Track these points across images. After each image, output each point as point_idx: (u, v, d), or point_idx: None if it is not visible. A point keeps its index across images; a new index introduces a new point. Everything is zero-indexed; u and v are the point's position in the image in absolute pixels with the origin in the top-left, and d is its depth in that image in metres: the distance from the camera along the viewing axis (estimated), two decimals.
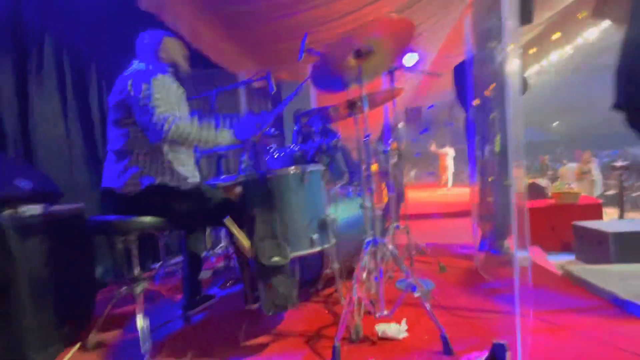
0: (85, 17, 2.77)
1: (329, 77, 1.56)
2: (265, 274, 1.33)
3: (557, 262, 2.41)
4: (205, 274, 2.52)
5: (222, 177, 2.02)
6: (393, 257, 1.44)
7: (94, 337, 1.56)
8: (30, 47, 2.34)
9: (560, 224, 2.75)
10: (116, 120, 1.50)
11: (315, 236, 1.45)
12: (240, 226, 1.44)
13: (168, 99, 1.42)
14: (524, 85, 2.14)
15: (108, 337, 1.64)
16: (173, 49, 1.68)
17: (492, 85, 2.18)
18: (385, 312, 1.36)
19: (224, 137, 1.48)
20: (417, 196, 7.83)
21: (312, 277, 2.00)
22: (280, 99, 4.13)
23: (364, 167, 1.53)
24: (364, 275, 1.48)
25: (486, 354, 1.08)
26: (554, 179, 7.27)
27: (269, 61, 4.77)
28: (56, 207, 1.64)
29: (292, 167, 1.46)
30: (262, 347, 1.44)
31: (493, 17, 2.22)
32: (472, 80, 2.16)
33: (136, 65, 1.55)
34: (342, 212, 1.96)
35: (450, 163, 10.00)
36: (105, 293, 2.33)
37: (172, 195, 1.49)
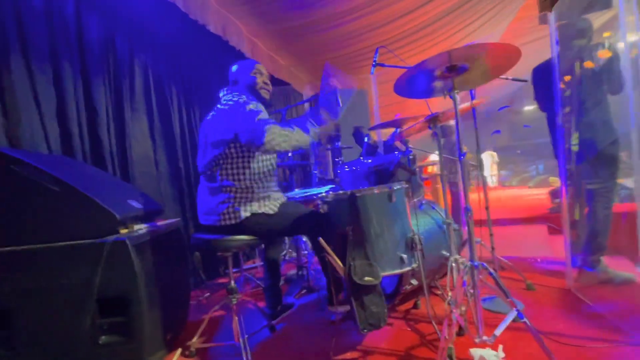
0: (164, 46, 3.04)
1: (410, 84, 1.53)
2: (359, 293, 1.35)
3: None
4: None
5: (301, 191, 2.09)
6: (494, 280, 1.37)
7: (194, 344, 1.69)
8: (123, 75, 2.62)
9: None
10: (215, 156, 1.63)
11: (405, 256, 1.44)
12: (328, 243, 1.48)
13: (263, 114, 1.53)
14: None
15: (203, 344, 1.77)
16: (262, 75, 1.78)
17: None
18: (485, 338, 1.30)
19: (302, 133, 1.60)
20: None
21: (389, 292, 1.98)
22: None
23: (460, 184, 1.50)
24: (457, 295, 1.43)
25: None
26: None
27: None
28: (159, 224, 1.82)
29: (380, 186, 1.47)
30: None
31: (580, 13, 2.04)
32: (558, 81, 2.00)
33: (229, 98, 1.66)
34: (417, 227, 1.92)
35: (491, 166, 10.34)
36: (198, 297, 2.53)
37: (263, 219, 1.62)
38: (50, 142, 1.96)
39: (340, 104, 1.93)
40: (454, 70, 1.36)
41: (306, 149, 1.71)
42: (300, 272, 2.59)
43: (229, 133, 1.56)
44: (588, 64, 1.95)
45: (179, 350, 1.70)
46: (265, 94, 1.76)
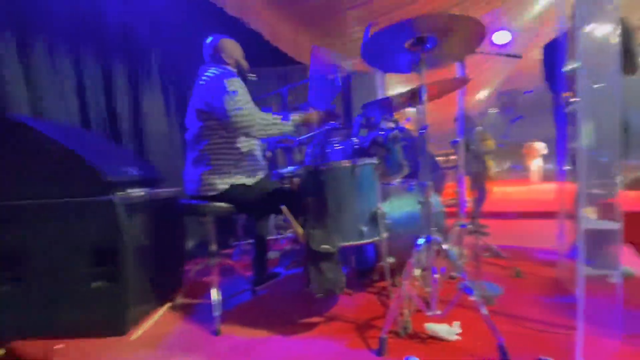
0: (180, 27, 3.20)
1: (389, 57, 1.51)
2: (315, 259, 1.42)
3: None
4: (273, 255, 2.77)
5: (288, 168, 2.17)
6: (447, 256, 1.38)
7: (179, 300, 1.88)
8: (140, 56, 2.83)
9: None
10: (200, 128, 1.73)
11: (364, 228, 1.48)
12: (296, 214, 1.56)
13: (241, 95, 1.61)
14: (632, 64, 1.74)
15: (191, 301, 1.95)
16: (232, 50, 1.87)
17: None
18: (438, 312, 1.32)
19: (282, 122, 1.67)
20: (499, 192, 7.02)
21: (368, 267, 2.03)
22: (349, 91, 4.13)
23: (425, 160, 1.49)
24: (418, 272, 1.45)
25: None
26: None
27: (340, 52, 4.82)
28: (156, 190, 2.00)
29: (344, 161, 1.51)
30: (313, 326, 1.55)
31: None
32: (564, 61, 1.85)
33: (209, 72, 1.74)
34: (400, 206, 1.92)
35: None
36: (196, 264, 2.74)
37: (242, 190, 1.72)
38: (70, 116, 2.22)
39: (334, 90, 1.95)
40: (422, 42, 1.33)
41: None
42: (294, 246, 2.70)
43: (208, 106, 1.67)
44: None
45: (167, 305, 1.90)
46: (237, 69, 1.83)
